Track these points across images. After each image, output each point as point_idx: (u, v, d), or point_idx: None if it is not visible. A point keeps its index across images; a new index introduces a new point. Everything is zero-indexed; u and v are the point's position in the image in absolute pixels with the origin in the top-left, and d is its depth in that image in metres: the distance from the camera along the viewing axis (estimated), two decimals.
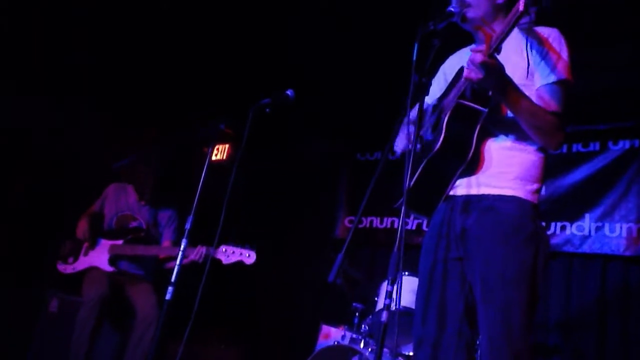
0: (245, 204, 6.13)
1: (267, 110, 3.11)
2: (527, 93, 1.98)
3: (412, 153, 1.87)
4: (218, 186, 3.21)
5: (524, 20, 1.86)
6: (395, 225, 5.85)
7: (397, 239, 1.79)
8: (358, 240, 5.97)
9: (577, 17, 3.74)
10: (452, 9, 2.09)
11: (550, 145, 2.05)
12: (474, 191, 2.09)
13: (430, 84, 2.22)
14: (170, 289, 2.80)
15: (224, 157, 6.72)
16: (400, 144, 2.39)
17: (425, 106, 2.37)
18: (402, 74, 2.06)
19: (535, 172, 2.08)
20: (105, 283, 4.04)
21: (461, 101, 2.05)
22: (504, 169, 2.06)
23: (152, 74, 5.57)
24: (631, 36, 4.36)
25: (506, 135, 2.09)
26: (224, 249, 3.70)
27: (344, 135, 6.53)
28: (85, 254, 4.25)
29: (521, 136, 2.07)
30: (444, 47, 2.07)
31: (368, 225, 6.12)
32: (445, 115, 2.08)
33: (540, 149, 2.09)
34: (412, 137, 1.92)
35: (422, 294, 2.14)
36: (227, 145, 6.73)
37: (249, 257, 3.68)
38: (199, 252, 3.77)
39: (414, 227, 5.68)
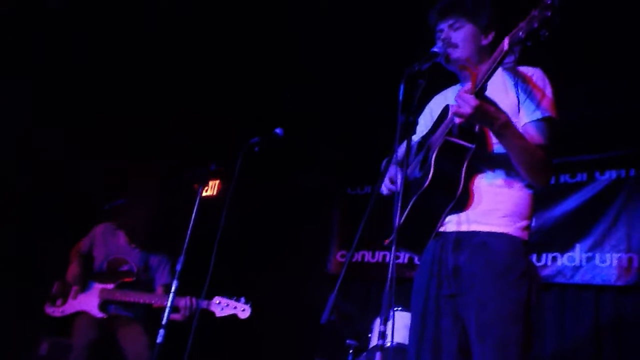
0: (236, 241, 6.09)
1: (256, 149, 3.14)
2: None
3: (400, 193, 1.89)
4: (209, 223, 3.21)
5: (509, 59, 1.90)
6: (387, 260, 5.83)
7: (389, 277, 1.79)
8: (350, 275, 5.94)
9: (562, 50, 3.82)
10: (436, 50, 2.13)
11: (539, 181, 2.07)
12: (464, 228, 2.10)
13: (417, 123, 2.25)
14: (161, 331, 2.78)
15: (214, 193, 6.72)
16: (385, 187, 2.39)
17: (411, 143, 2.40)
18: (391, 109, 2.09)
19: (524, 209, 2.09)
20: (94, 328, 3.98)
21: (449, 138, 2.07)
22: (494, 206, 2.07)
23: (142, 114, 5.61)
24: (616, 69, 4.45)
25: (494, 171, 2.11)
26: (217, 301, 3.64)
27: (334, 170, 6.56)
28: (74, 297, 4.19)
29: (510, 173, 2.09)
30: (429, 86, 2.11)
31: (360, 259, 6.11)
32: (433, 153, 2.10)
33: (529, 186, 2.11)
34: (400, 176, 1.94)
35: (415, 332, 2.13)
36: (217, 181, 6.74)
37: (243, 311, 3.63)
38: (186, 306, 3.70)
39: (405, 261, 5.66)
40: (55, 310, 4.21)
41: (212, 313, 3.62)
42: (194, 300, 3.69)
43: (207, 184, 6.31)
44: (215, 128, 5.77)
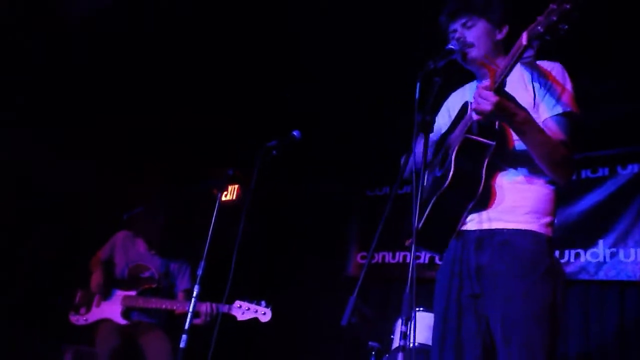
0: (255, 245, 6.12)
1: (274, 152, 3.14)
2: None
3: (419, 192, 1.87)
4: (228, 228, 3.21)
5: (527, 54, 1.87)
6: (408, 260, 5.81)
7: (409, 278, 1.77)
8: (371, 276, 5.92)
9: (583, 45, 3.78)
10: (452, 47, 2.12)
11: (561, 177, 2.04)
12: (486, 226, 2.07)
13: (434, 121, 2.23)
14: (184, 337, 2.79)
15: (234, 198, 6.75)
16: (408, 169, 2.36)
17: (430, 142, 2.38)
18: (409, 109, 2.07)
19: (547, 205, 2.07)
20: (117, 335, 4.01)
21: (468, 136, 2.05)
22: (517, 203, 2.05)
23: (160, 121, 5.65)
24: (638, 62, 4.39)
25: (516, 169, 2.09)
26: (239, 305, 3.64)
27: (353, 171, 6.55)
28: (98, 305, 4.22)
29: (531, 170, 2.06)
30: (445, 84, 2.09)
31: (380, 260, 6.09)
32: (453, 151, 2.08)
33: (551, 182, 2.09)
34: (420, 174, 1.92)
35: (438, 333, 2.11)
36: (236, 186, 6.77)
37: (264, 315, 3.62)
38: (207, 312, 3.70)
39: (426, 261, 5.64)
40: (80, 319, 4.24)
41: (234, 317, 3.62)
42: (214, 305, 3.69)
43: (226, 189, 6.39)
44: (231, 132, 5.80)
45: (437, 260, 5.50)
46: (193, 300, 2.91)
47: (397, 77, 3.82)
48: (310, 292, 6.22)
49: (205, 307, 3.70)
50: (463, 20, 2.22)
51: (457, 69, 2.20)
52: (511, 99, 1.94)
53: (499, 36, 2.23)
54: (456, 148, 2.07)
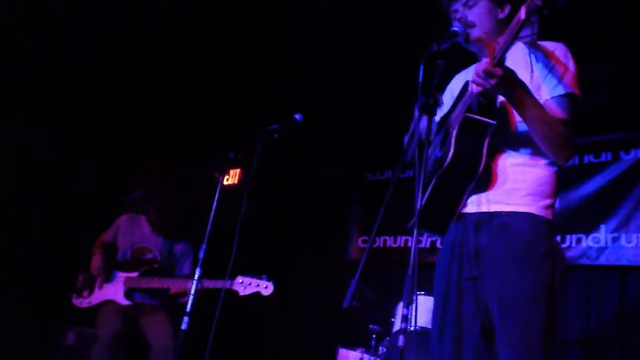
0: (257, 228, 6.12)
1: (276, 135, 3.13)
2: None
3: (422, 172, 1.86)
4: (230, 212, 3.21)
5: (527, 32, 1.86)
6: (409, 244, 5.82)
7: (411, 261, 1.77)
8: (372, 260, 5.93)
9: (586, 29, 3.76)
10: (455, 29, 2.09)
11: (560, 157, 2.02)
12: (485, 208, 2.06)
13: (441, 103, 2.21)
14: (185, 318, 2.80)
15: (235, 182, 6.74)
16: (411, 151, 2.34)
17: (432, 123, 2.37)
18: (410, 93, 2.06)
19: (547, 188, 2.05)
20: (119, 316, 4.03)
21: (468, 115, 2.03)
22: (516, 185, 2.03)
23: (162, 105, 5.64)
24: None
25: (516, 151, 2.07)
26: (240, 280, 3.65)
27: (354, 155, 6.54)
28: (100, 287, 4.24)
29: (532, 151, 2.05)
30: (449, 67, 2.08)
31: (382, 244, 6.10)
32: (454, 130, 2.06)
33: (552, 164, 2.07)
34: (423, 155, 1.90)
35: (437, 316, 2.12)
36: (238, 170, 6.76)
37: (266, 288, 3.63)
38: (213, 282, 3.71)
39: (428, 245, 5.65)
40: (82, 302, 4.27)
41: (236, 292, 3.63)
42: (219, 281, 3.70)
43: (227, 173, 6.39)
44: (235, 113, 5.79)
45: (438, 245, 5.52)
46: (194, 282, 2.92)
47: (400, 62, 3.80)
48: (311, 275, 6.24)
49: (209, 282, 3.71)
50: (464, 0, 2.20)
51: (460, 51, 2.18)
52: (512, 72, 1.91)
53: (501, 15, 2.20)
54: (456, 127, 2.05)
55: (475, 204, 2.10)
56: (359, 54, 4.90)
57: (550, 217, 2.03)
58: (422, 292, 3.84)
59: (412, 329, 1.76)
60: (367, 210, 6.47)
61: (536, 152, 2.04)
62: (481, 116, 2.01)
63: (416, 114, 2.00)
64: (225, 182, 3.41)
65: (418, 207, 1.83)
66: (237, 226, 2.89)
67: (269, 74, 5.33)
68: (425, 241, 5.69)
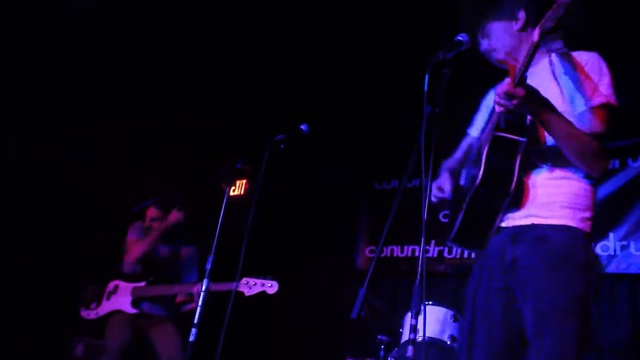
0: (264, 238, 6.13)
1: (282, 146, 3.14)
2: None
3: (429, 186, 1.86)
4: (236, 222, 3.22)
5: (558, 45, 1.92)
6: (417, 254, 5.81)
7: (419, 270, 1.77)
8: (379, 270, 5.93)
9: (594, 37, 3.75)
10: (460, 38, 2.10)
11: (593, 170, 2.01)
12: (522, 222, 2.07)
13: (440, 113, 2.23)
14: (193, 330, 2.80)
15: (242, 193, 6.76)
16: (433, 197, 2.37)
17: (471, 141, 2.43)
18: (417, 102, 2.06)
19: (585, 200, 2.04)
20: (128, 327, 4.04)
21: (497, 133, 2.04)
22: (553, 198, 2.03)
23: (168, 115, 5.67)
24: None
25: (550, 165, 2.07)
26: (245, 281, 3.67)
27: (362, 164, 6.55)
28: (108, 299, 4.26)
29: (566, 165, 2.04)
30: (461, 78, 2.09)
31: (389, 254, 6.08)
32: (484, 149, 2.07)
33: (587, 177, 2.06)
34: (429, 169, 1.91)
35: (467, 326, 2.12)
36: (244, 181, 6.78)
37: (271, 287, 3.65)
38: (219, 285, 3.73)
39: (435, 255, 5.63)
40: (90, 313, 4.28)
41: (242, 293, 3.63)
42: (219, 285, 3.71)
43: (234, 183, 6.40)
44: (242, 123, 5.81)
45: (445, 254, 5.51)
46: (202, 295, 2.91)
47: (410, 70, 3.81)
48: (319, 285, 6.23)
49: (197, 288, 3.72)
50: (478, 31, 2.27)
51: (473, 58, 2.19)
52: (533, 91, 1.92)
53: (516, 26, 2.22)
54: (487, 146, 2.06)
55: (512, 219, 2.10)
56: (369, 61, 4.91)
57: (587, 229, 2.02)
58: (430, 302, 3.82)
59: (420, 339, 1.75)
60: (375, 220, 6.47)
61: (570, 166, 2.04)
62: (510, 134, 2.02)
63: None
64: (231, 193, 3.41)
65: (424, 218, 1.83)
66: (244, 235, 2.89)
67: (275, 80, 5.33)
68: (433, 251, 5.67)
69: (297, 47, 4.91)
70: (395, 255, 6.06)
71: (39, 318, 4.95)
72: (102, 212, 5.41)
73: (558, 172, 2.06)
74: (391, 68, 4.84)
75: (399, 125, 5.30)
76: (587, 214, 2.04)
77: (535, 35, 1.78)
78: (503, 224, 2.12)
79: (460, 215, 2.09)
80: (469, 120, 2.49)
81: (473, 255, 3.20)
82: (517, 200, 2.06)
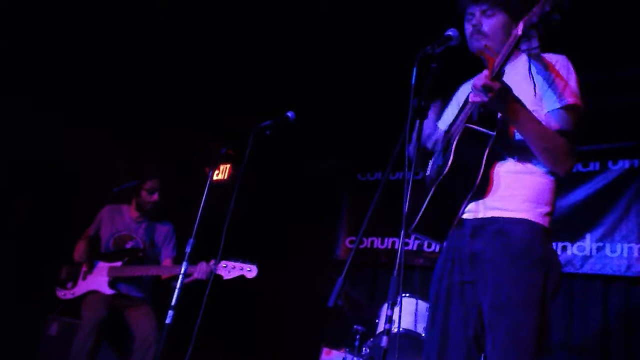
0: (246, 225, 6.12)
1: (267, 132, 3.13)
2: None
3: (410, 179, 1.86)
4: (219, 206, 3.21)
5: (532, 45, 1.90)
6: (396, 246, 5.84)
7: (397, 262, 1.78)
8: (359, 261, 5.95)
9: (576, 39, 3.78)
10: (450, 33, 2.10)
11: (560, 169, 2.04)
12: (482, 214, 2.08)
13: (429, 108, 2.23)
14: (170, 312, 2.79)
15: (225, 177, 6.73)
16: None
17: (439, 132, 2.42)
18: (403, 95, 2.07)
19: (546, 195, 2.06)
20: (103, 306, 4.02)
21: (469, 125, 2.05)
22: (515, 192, 2.05)
23: (154, 96, 5.63)
24: (630, 57, 4.39)
25: (515, 158, 2.08)
26: (224, 264, 3.66)
27: (345, 156, 6.55)
28: (84, 279, 4.23)
29: (532, 160, 2.06)
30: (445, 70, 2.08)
31: (369, 245, 6.11)
32: (454, 140, 2.08)
33: (551, 173, 2.08)
34: (412, 161, 1.91)
35: (429, 318, 2.15)
36: (228, 165, 6.75)
37: (250, 271, 3.65)
38: (201, 270, 3.72)
39: (414, 248, 5.66)
40: (67, 293, 4.25)
41: (220, 277, 3.63)
42: (205, 264, 3.70)
43: (217, 168, 6.37)
44: (227, 108, 5.78)
45: (424, 248, 5.54)
46: (180, 277, 2.91)
47: (394, 62, 3.81)
48: (298, 274, 6.24)
49: (196, 270, 3.71)
50: (484, 7, 2.19)
51: (461, 54, 2.19)
52: (508, 88, 1.94)
53: (514, 31, 2.21)
54: (457, 137, 2.08)
55: (473, 211, 2.12)
56: (355, 51, 4.89)
57: (547, 224, 2.04)
58: (407, 294, 3.85)
59: (395, 330, 1.77)
60: (356, 211, 6.49)
61: (535, 161, 2.06)
62: (481, 126, 2.03)
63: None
64: (214, 177, 3.39)
65: (405, 212, 1.84)
66: (225, 220, 2.88)
67: (262, 71, 5.32)
68: (412, 244, 5.70)
69: (285, 36, 4.89)
70: (375, 246, 6.09)
71: (12, 297, 4.90)
72: (83, 191, 5.35)
73: (523, 166, 2.08)
74: (377, 59, 4.83)
75: (384, 117, 5.30)
76: (547, 209, 2.06)
77: (519, 28, 1.80)
78: (464, 216, 2.14)
79: (424, 205, 2.10)
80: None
81: None
82: (481, 191, 2.07)
